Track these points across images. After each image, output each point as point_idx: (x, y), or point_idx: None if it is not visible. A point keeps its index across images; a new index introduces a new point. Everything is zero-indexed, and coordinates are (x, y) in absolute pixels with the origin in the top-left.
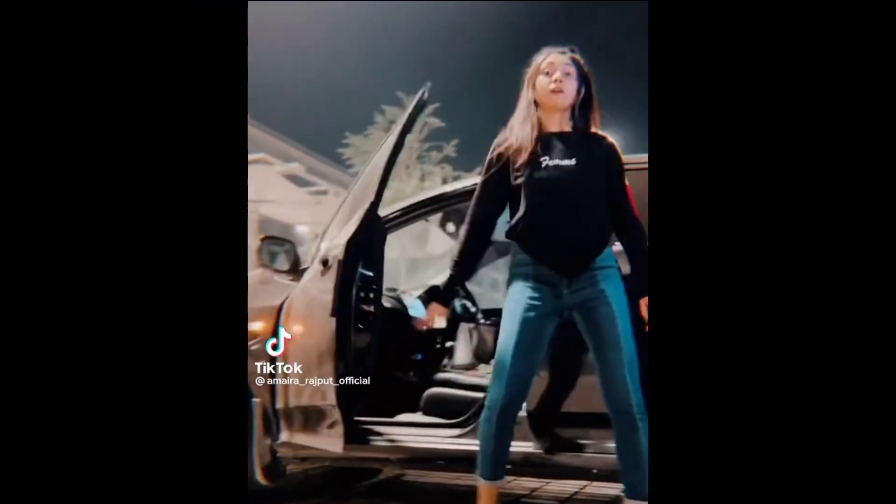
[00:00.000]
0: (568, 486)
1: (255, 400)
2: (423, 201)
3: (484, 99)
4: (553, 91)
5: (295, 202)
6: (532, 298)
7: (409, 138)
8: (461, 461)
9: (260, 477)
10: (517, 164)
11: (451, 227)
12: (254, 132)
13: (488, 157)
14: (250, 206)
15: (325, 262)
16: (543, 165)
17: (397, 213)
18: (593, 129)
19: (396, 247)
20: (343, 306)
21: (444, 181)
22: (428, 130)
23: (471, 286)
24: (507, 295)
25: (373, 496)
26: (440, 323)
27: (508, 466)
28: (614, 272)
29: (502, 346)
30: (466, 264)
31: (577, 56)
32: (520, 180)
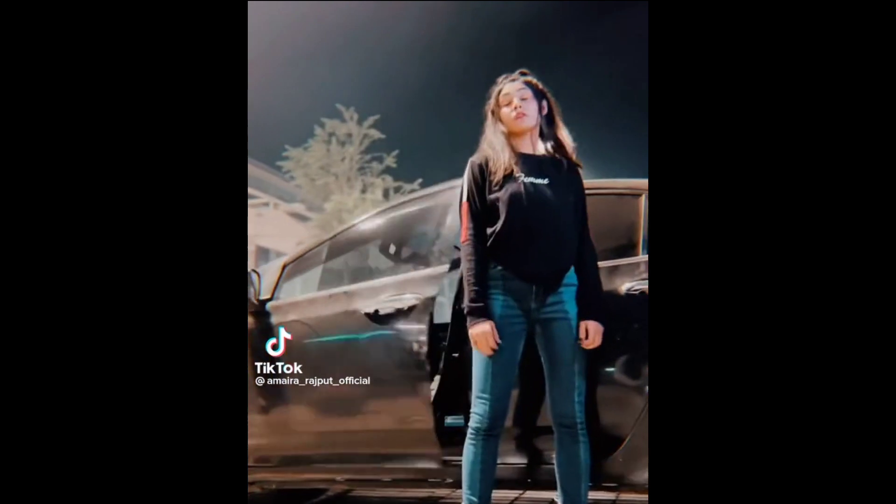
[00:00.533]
0: (510, 494)
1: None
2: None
3: (422, 111)
4: (516, 117)
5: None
6: (504, 318)
7: (350, 150)
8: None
9: None
10: (494, 181)
11: (392, 248)
12: None
13: (469, 177)
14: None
15: (375, 313)
16: (520, 181)
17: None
18: (564, 150)
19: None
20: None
21: (386, 192)
22: (368, 142)
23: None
24: None
25: None
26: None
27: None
28: (574, 292)
29: (481, 368)
30: (486, 282)
31: (529, 77)
32: (496, 195)
